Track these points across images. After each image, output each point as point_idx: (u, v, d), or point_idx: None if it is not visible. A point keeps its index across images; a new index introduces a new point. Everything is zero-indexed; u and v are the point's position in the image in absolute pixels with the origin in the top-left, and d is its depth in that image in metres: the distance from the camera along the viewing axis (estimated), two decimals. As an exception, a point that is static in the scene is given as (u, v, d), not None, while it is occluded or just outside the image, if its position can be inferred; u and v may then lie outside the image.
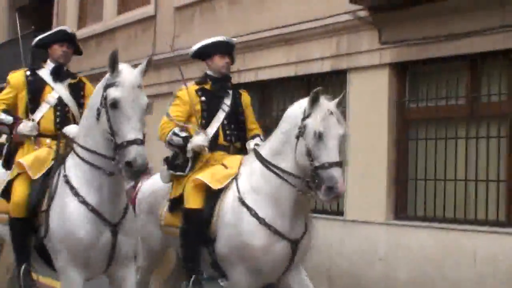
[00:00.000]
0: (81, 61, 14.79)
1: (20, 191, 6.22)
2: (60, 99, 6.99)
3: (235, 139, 7.19)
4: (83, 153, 5.97)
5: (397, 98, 11.18)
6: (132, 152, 5.26)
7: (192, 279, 6.50)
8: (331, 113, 5.96)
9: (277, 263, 6.37)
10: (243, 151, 7.16)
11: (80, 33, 20.06)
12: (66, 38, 7.34)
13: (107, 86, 5.62)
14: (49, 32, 7.63)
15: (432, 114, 10.80)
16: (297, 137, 6.05)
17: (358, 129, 11.12)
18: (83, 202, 5.79)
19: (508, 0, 9.38)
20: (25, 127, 6.57)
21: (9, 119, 6.68)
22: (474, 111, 10.22)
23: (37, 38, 7.46)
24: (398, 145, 11.13)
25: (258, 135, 7.32)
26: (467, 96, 10.37)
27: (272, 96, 13.68)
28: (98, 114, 5.66)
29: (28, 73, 6.94)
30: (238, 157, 6.92)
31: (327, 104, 6.03)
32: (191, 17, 15.78)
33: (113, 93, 5.49)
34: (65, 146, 6.45)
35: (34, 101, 6.87)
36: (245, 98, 7.57)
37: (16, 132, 6.66)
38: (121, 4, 18.83)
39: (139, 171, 5.42)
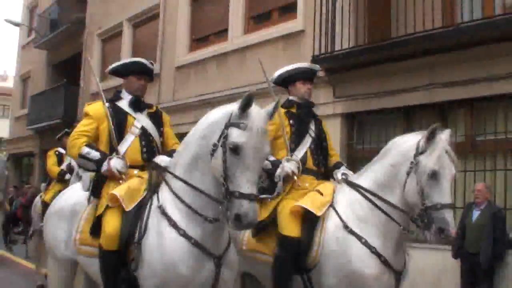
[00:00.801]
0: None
1: (112, 223, 5.20)
2: (143, 129, 5.94)
3: (321, 164, 6.32)
4: (182, 188, 5.00)
5: (347, 141, 11.65)
6: (245, 206, 4.29)
7: None
8: (447, 151, 5.13)
9: None
10: (328, 176, 6.36)
11: (104, 85, 20.84)
12: (145, 71, 6.27)
13: (231, 124, 4.56)
14: (126, 61, 6.54)
15: (375, 153, 11.05)
16: (408, 173, 5.22)
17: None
18: (184, 235, 4.82)
19: (433, 64, 10.01)
20: (117, 163, 5.49)
21: (95, 154, 5.56)
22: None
23: (113, 66, 6.40)
24: None
25: (341, 163, 6.49)
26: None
27: None
28: (214, 151, 4.60)
29: (108, 104, 5.82)
30: (330, 185, 6.03)
31: (443, 142, 5.15)
32: (187, 75, 16.14)
33: (237, 136, 4.44)
34: (157, 176, 5.45)
35: (119, 133, 5.79)
36: (325, 125, 6.70)
37: (106, 169, 5.50)
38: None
39: (248, 226, 4.49)
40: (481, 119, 10.01)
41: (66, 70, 24.61)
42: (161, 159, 5.61)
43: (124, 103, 5.97)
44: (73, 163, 9.51)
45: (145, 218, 5.08)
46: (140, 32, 19.61)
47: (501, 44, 9.14)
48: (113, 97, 6.06)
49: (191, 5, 16.82)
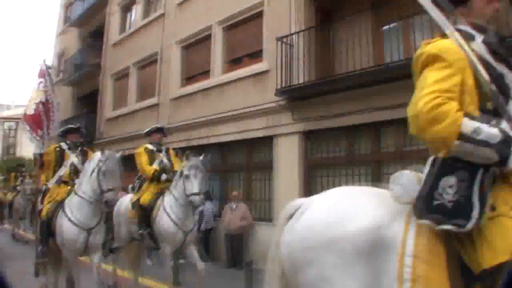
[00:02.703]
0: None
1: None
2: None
3: None
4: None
5: (304, 152, 11.37)
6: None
7: None
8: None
9: None
10: None
11: (115, 113, 20.46)
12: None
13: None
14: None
15: (324, 162, 11.04)
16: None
17: (283, 170, 11.45)
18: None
19: (368, 93, 9.73)
20: None
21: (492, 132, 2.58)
22: (350, 160, 10.51)
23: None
24: (305, 181, 11.27)
25: None
26: (346, 151, 10.65)
27: (228, 153, 13.65)
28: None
29: None
30: None
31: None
32: (180, 104, 15.84)
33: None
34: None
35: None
36: None
37: None
38: (139, 95, 19.06)
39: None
40: (407, 134, 9.62)
41: (87, 102, 24.24)
42: None
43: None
44: (165, 160, 8.08)
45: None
46: (143, 72, 19.26)
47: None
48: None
49: (182, 52, 16.59)
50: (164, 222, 7.13)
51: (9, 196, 17.38)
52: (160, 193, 7.58)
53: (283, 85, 11.23)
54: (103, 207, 6.38)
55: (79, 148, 7.35)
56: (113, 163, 6.16)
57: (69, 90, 26.62)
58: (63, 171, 7.02)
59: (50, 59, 30.84)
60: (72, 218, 6.15)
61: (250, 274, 7.92)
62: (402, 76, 9.06)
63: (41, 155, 7.29)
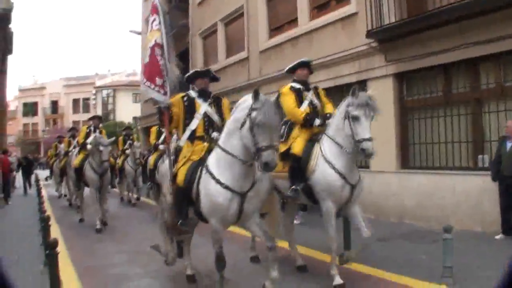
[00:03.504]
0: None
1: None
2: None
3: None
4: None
5: (398, 95, 11.21)
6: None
7: None
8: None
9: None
10: None
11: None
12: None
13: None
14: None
15: (421, 103, 10.81)
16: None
17: (377, 116, 11.26)
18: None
19: (464, 28, 9.32)
20: None
21: None
22: (447, 100, 10.24)
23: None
24: (400, 124, 11.17)
25: None
26: (442, 91, 10.37)
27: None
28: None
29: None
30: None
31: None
32: (269, 56, 15.98)
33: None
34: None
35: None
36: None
37: None
38: (228, 51, 19.44)
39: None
40: (508, 68, 9.32)
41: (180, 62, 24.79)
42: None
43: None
44: (315, 101, 6.89)
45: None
46: (230, 28, 19.51)
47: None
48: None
49: (267, 3, 16.59)
50: (328, 173, 5.99)
51: (118, 160, 17.40)
52: (313, 141, 6.42)
53: (374, 27, 11.00)
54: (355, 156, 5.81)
55: (211, 95, 6.32)
56: (271, 111, 4.74)
57: (160, 52, 27.38)
58: (195, 124, 6.04)
59: (139, 25, 31.81)
60: (223, 180, 5.09)
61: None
62: (498, 7, 8.83)
63: (168, 107, 6.12)
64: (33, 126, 70.55)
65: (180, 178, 5.60)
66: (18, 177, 23.25)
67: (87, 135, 12.50)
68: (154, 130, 13.38)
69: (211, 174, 5.19)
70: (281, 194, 6.92)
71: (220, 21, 19.72)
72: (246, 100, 5.02)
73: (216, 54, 20.20)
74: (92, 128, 12.76)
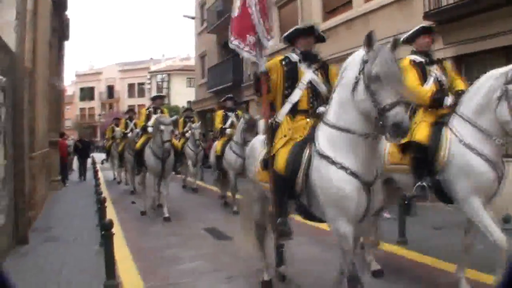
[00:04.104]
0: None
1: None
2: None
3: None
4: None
5: None
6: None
7: None
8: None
9: None
10: None
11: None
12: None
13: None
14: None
15: None
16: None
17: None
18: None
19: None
20: None
21: None
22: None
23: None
24: None
25: None
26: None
27: None
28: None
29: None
30: None
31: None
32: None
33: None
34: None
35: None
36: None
37: None
38: (281, 34, 19.27)
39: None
40: None
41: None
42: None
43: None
44: (442, 77, 5.53)
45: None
46: (284, 11, 19.45)
47: None
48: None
49: (321, -15, 16.41)
50: (474, 163, 4.82)
51: (178, 143, 15.77)
52: (440, 123, 5.34)
53: (431, 8, 10.77)
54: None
55: (318, 60, 5.09)
56: (389, 59, 3.65)
57: (214, 37, 27.67)
58: (298, 95, 4.88)
59: (193, 10, 32.14)
60: (347, 164, 3.95)
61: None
62: None
63: (266, 72, 4.86)
64: (89, 111, 72.50)
65: (281, 163, 4.47)
66: (75, 160, 23.87)
67: (148, 118, 11.89)
68: (219, 113, 12.91)
69: (327, 158, 4.03)
70: (400, 192, 5.94)
71: (274, 4, 19.60)
72: (354, 55, 4.00)
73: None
74: (152, 110, 12.08)
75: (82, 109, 72.88)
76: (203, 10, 30.45)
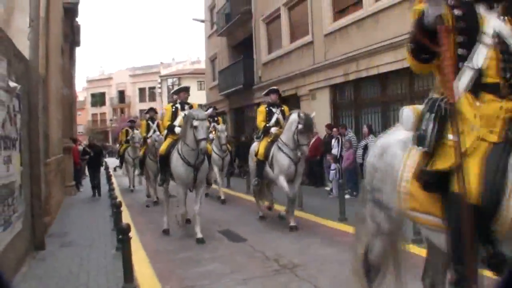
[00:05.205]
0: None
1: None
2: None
3: None
4: None
5: None
6: None
7: None
8: None
9: None
10: None
11: (270, 57, 21.02)
12: None
13: None
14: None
15: None
16: None
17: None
18: None
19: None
20: None
21: None
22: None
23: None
24: None
25: None
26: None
27: (388, 84, 13.53)
28: None
29: None
30: None
31: None
32: (334, 39, 15.84)
33: None
34: None
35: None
36: None
37: None
38: (292, 36, 19.38)
39: None
40: None
41: (242, 49, 25.11)
42: None
43: None
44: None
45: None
46: (294, 12, 19.47)
47: None
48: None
49: (331, -15, 16.46)
50: None
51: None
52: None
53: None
54: None
55: None
56: None
57: (224, 40, 27.80)
58: (481, 60, 2.96)
59: (203, 13, 32.30)
60: None
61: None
62: None
63: (441, 16, 2.83)
64: (101, 116, 72.98)
65: (473, 183, 2.67)
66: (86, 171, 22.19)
67: (174, 116, 9.70)
68: (262, 109, 10.63)
69: None
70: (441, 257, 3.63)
71: (283, 5, 19.71)
72: None
73: (280, 39, 20.21)
74: (178, 106, 9.80)
75: (93, 115, 73.38)
76: (212, 13, 30.58)
